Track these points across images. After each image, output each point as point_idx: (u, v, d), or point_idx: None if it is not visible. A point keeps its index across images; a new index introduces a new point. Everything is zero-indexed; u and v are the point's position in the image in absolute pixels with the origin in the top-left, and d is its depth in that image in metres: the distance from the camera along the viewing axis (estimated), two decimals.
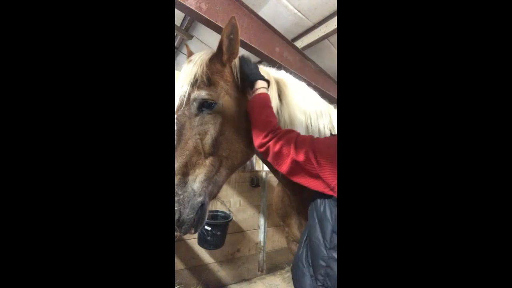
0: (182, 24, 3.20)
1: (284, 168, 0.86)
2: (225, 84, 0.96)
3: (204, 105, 0.90)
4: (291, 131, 0.91)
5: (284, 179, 1.24)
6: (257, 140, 0.93)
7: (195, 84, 0.91)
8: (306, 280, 0.84)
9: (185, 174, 0.84)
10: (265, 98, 0.97)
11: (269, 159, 0.90)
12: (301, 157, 0.81)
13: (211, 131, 0.89)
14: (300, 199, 1.27)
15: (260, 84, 0.99)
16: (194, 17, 1.57)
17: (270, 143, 0.89)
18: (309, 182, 0.82)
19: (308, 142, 0.83)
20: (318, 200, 0.84)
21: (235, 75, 1.00)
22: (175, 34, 3.27)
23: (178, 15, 2.92)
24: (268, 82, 1.03)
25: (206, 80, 0.92)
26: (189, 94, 0.90)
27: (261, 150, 0.92)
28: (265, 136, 0.91)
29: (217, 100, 0.92)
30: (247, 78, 1.01)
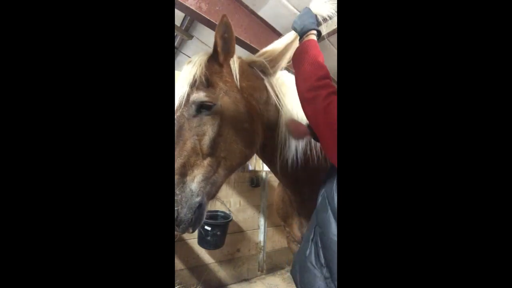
0: (182, 24, 3.20)
1: (323, 130, 0.72)
2: (224, 85, 0.96)
3: (203, 107, 0.91)
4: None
5: (285, 179, 1.25)
6: (307, 83, 0.80)
7: (194, 85, 0.92)
8: (319, 282, 0.74)
9: (183, 175, 0.84)
10: (316, 43, 0.90)
11: (310, 110, 0.77)
12: None
13: (209, 132, 0.90)
14: (300, 200, 1.27)
15: (311, 31, 0.97)
16: (194, 17, 1.57)
17: (322, 92, 0.74)
18: (334, 156, 0.70)
19: None
20: (333, 189, 0.74)
21: (234, 76, 1.00)
22: (175, 34, 3.27)
23: (178, 15, 2.92)
24: (319, 31, 1.00)
25: (204, 81, 0.92)
26: (188, 96, 0.91)
27: (309, 95, 0.78)
28: (319, 79, 0.77)
29: (216, 101, 0.92)
30: (299, 31, 1.00)
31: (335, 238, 0.70)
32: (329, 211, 0.75)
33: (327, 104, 0.73)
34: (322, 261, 0.74)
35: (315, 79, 0.78)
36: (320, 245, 0.77)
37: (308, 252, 0.80)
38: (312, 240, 0.81)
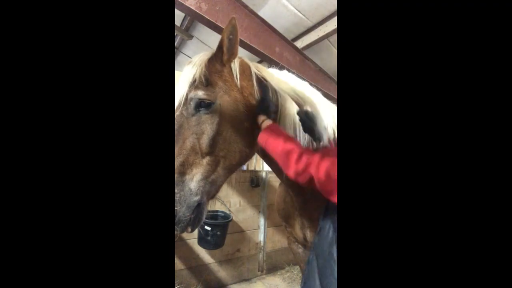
0: (182, 24, 3.20)
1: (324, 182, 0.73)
2: (223, 84, 0.97)
3: (201, 105, 0.91)
4: (322, 149, 0.79)
5: (287, 180, 1.24)
6: (291, 168, 0.83)
7: (193, 84, 0.92)
8: None
9: (182, 173, 0.84)
10: (274, 127, 0.93)
11: (317, 186, 0.78)
12: None
13: (208, 130, 0.90)
14: (303, 200, 1.26)
15: (260, 117, 0.98)
16: (194, 17, 1.57)
17: (311, 170, 0.77)
18: None
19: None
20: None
21: (234, 75, 1.00)
22: (175, 34, 3.27)
23: (178, 15, 2.92)
24: (268, 115, 1.00)
25: (204, 80, 0.92)
26: (187, 95, 0.91)
27: (301, 179, 0.81)
28: (298, 161, 0.80)
29: (215, 100, 0.92)
30: (257, 110, 1.00)
31: None
32: (336, 277, 0.75)
33: (324, 175, 0.75)
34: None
35: (294, 164, 0.81)
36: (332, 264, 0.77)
37: (329, 272, 0.79)
38: (332, 258, 0.80)
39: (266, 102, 1.00)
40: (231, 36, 0.94)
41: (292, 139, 0.89)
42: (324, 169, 0.74)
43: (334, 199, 0.73)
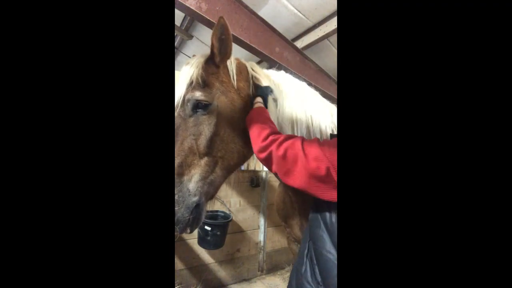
0: (182, 24, 3.20)
1: (296, 180, 0.72)
2: (220, 85, 0.97)
3: (199, 106, 0.91)
4: (294, 135, 0.81)
5: None
6: (256, 145, 0.84)
7: (190, 85, 0.92)
8: None
9: (180, 174, 0.84)
10: (261, 110, 0.95)
11: (274, 166, 0.78)
12: (313, 164, 0.68)
13: (206, 131, 0.90)
14: (302, 200, 1.26)
15: (257, 99, 1.01)
16: (194, 17, 1.57)
17: (272, 147, 0.77)
18: (324, 193, 0.69)
19: (317, 146, 0.71)
20: (326, 209, 0.74)
21: (231, 76, 1.00)
22: (175, 34, 3.27)
23: (178, 15, 2.92)
24: (263, 97, 1.03)
25: (201, 81, 0.93)
26: (184, 96, 0.91)
27: (262, 155, 0.81)
28: (264, 139, 0.81)
29: (212, 101, 0.93)
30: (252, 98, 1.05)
31: (330, 255, 0.70)
32: (322, 226, 0.75)
33: (282, 154, 0.76)
34: (318, 279, 0.73)
35: (261, 140, 0.83)
36: (315, 262, 0.76)
37: (303, 269, 0.79)
38: (307, 255, 0.80)
39: (264, 91, 1.05)
40: (223, 37, 0.93)
41: (269, 122, 0.91)
42: (283, 148, 0.75)
43: (289, 181, 0.74)
